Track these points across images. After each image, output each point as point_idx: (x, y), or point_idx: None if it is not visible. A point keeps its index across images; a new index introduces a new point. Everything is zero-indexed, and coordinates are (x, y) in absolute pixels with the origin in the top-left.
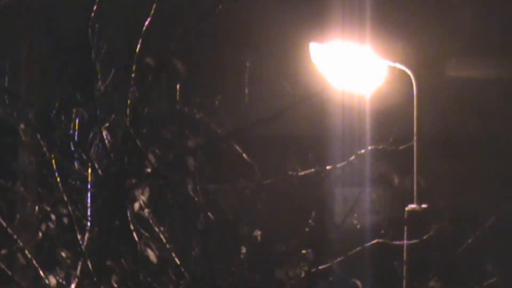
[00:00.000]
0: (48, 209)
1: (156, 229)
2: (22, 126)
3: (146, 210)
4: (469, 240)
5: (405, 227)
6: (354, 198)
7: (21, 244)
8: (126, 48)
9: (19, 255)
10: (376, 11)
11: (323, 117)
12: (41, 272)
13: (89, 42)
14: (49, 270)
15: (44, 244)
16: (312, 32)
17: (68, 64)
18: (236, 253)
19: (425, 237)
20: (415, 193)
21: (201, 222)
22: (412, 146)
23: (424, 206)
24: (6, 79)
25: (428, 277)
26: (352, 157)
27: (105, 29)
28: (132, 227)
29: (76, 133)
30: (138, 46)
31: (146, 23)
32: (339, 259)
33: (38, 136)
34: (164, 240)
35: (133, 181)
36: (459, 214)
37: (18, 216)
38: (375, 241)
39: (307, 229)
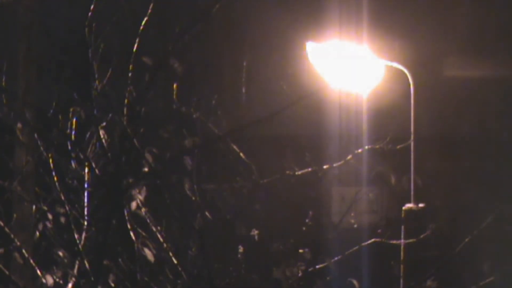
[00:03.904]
0: (45, 208)
1: (154, 229)
2: (19, 125)
3: (143, 210)
4: (466, 239)
5: (402, 227)
6: (351, 198)
7: (18, 243)
8: (123, 48)
9: (16, 254)
10: (373, 10)
11: (320, 117)
12: (38, 272)
13: (86, 42)
14: (46, 269)
15: (41, 243)
16: (309, 32)
17: (65, 64)
18: (233, 252)
19: (422, 236)
20: (412, 193)
21: (198, 222)
22: (409, 145)
23: (421, 205)
24: (3, 78)
25: (425, 277)
26: (349, 157)
27: (102, 28)
28: (129, 227)
29: (73, 132)
30: (135, 45)
31: (143, 22)
32: (336, 258)
33: (35, 135)
34: (162, 240)
35: (130, 180)
36: (456, 213)
37: (15, 215)
38: (372, 240)
39: (304, 229)
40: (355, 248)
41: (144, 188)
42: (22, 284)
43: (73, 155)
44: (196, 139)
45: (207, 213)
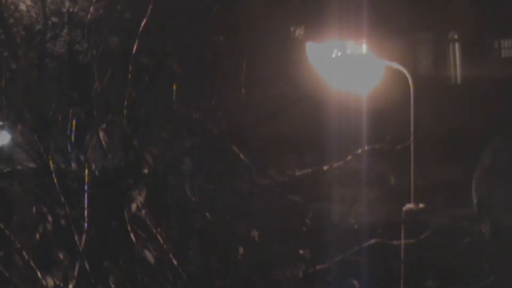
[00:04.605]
0: (45, 210)
1: (153, 230)
2: (19, 126)
3: (143, 211)
4: (466, 240)
5: (402, 227)
6: (352, 198)
7: (18, 245)
8: (122, 48)
9: (16, 256)
10: (373, 10)
11: (320, 117)
12: (38, 273)
13: (86, 41)
14: (46, 271)
15: (41, 245)
16: (309, 32)
17: (65, 64)
18: (233, 253)
19: (422, 236)
20: (412, 193)
21: (198, 222)
22: (409, 145)
23: (421, 205)
24: (3, 78)
25: (425, 277)
26: (349, 157)
27: (101, 29)
28: (129, 228)
29: (73, 133)
30: (135, 46)
31: (143, 23)
32: (336, 259)
33: (35, 136)
34: (161, 241)
35: (130, 181)
36: (456, 213)
37: (15, 217)
38: (373, 240)
39: (304, 229)
40: (355, 249)
41: (144, 189)
42: (23, 286)
43: (73, 156)
44: (195, 140)
45: (207, 214)
